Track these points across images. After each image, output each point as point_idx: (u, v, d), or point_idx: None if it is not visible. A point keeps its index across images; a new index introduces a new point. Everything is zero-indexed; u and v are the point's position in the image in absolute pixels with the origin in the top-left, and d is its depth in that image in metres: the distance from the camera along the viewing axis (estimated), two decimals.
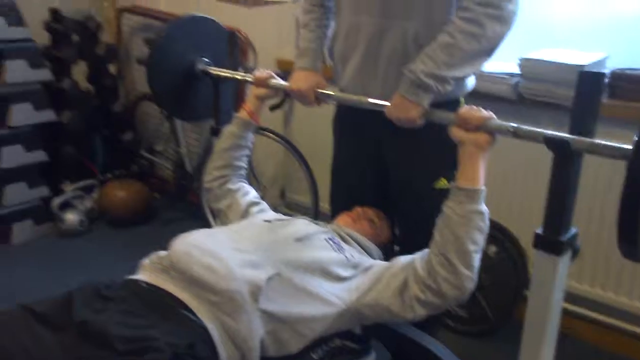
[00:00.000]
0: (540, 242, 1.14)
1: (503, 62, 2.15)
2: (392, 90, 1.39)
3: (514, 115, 2.09)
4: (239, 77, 1.75)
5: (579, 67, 1.85)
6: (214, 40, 1.92)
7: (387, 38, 1.41)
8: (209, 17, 1.96)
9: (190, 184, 3.10)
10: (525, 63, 2.00)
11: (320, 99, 1.58)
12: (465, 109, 1.20)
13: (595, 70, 1.69)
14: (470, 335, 2.20)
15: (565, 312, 1.93)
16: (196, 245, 1.19)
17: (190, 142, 3.26)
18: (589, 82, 1.08)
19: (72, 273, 2.59)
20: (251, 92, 1.64)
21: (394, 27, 1.40)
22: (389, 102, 1.38)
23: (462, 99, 1.53)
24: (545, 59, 1.95)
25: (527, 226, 2.12)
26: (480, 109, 1.20)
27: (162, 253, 1.22)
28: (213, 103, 1.87)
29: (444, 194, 1.32)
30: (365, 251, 1.43)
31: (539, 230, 1.15)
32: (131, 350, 0.95)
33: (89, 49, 3.14)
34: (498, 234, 2.17)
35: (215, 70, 1.84)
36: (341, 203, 1.70)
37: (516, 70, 2.03)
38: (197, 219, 2.88)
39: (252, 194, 1.61)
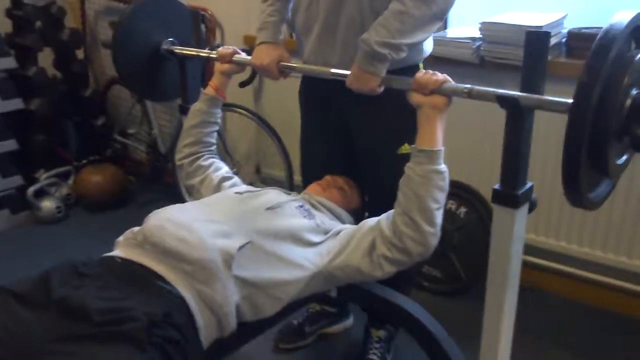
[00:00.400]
0: (498, 197, 1.20)
1: (465, 27, 2.20)
2: (350, 58, 1.42)
3: (477, 78, 2.14)
4: (203, 54, 1.77)
5: (537, 29, 1.90)
6: (178, 20, 1.93)
7: (345, 7, 1.44)
8: None
9: (164, 165, 3.12)
10: (486, 27, 2.04)
11: (284, 72, 1.60)
12: (421, 74, 1.24)
13: (548, 30, 1.73)
14: (444, 295, 2.28)
15: (525, 264, 2.02)
16: (169, 219, 1.22)
17: (162, 123, 3.26)
18: (535, 41, 1.12)
19: (51, 259, 2.55)
20: (215, 68, 1.66)
21: None
22: (349, 71, 1.41)
23: (421, 64, 1.57)
24: (504, 22, 1.99)
25: None
26: (436, 72, 1.24)
27: (136, 229, 1.26)
28: (180, 82, 1.89)
29: (407, 158, 1.37)
30: (337, 217, 1.48)
31: (497, 186, 1.21)
32: (108, 320, 0.98)
33: (53, 35, 3.10)
34: (468, 195, 2.24)
35: (180, 50, 1.85)
36: (311, 173, 1.74)
37: (478, 34, 2.08)
38: (173, 200, 2.86)
39: (224, 169, 1.64)
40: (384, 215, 1.31)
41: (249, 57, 1.62)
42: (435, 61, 1.86)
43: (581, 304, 2.18)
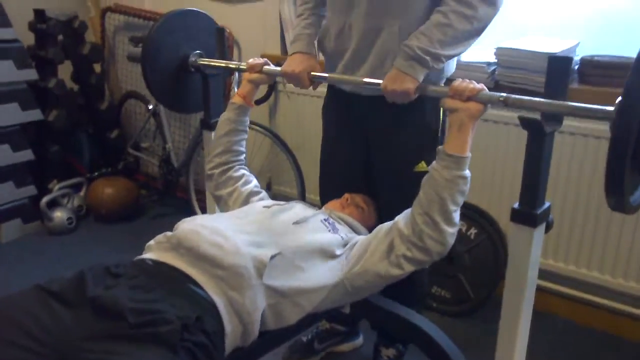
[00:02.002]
0: (517, 216, 1.23)
1: (481, 51, 2.24)
2: (378, 77, 1.46)
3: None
4: (232, 66, 1.79)
5: (552, 55, 1.94)
6: (205, 34, 1.96)
7: (378, 39, 1.49)
8: (200, 11, 2.00)
9: (177, 179, 3.15)
10: (501, 52, 2.09)
11: (314, 81, 1.62)
12: (459, 82, 1.25)
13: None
14: (453, 315, 2.29)
15: (542, 290, 2.03)
16: (204, 225, 1.25)
17: (176, 138, 3.30)
18: (557, 66, 1.16)
19: (61, 270, 2.62)
20: (244, 78, 1.68)
21: (384, 27, 1.47)
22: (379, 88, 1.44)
23: (442, 84, 1.61)
24: (520, 47, 2.04)
25: (506, 210, 2.23)
26: (473, 81, 1.26)
27: (169, 233, 1.28)
28: (203, 97, 1.92)
29: (421, 177, 1.41)
30: (355, 232, 1.50)
31: (516, 205, 1.24)
32: (143, 322, 1.00)
33: (74, 49, 3.17)
34: (478, 217, 2.26)
35: (207, 61, 1.88)
36: (330, 188, 1.77)
37: (493, 59, 2.12)
38: (184, 214, 2.88)
39: (253, 182, 1.65)
40: (400, 216, 1.33)
41: (278, 68, 1.64)
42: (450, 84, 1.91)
43: (590, 329, 2.18)
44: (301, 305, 1.26)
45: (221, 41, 1.87)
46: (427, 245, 1.25)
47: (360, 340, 2.14)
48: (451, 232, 1.26)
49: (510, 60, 2.06)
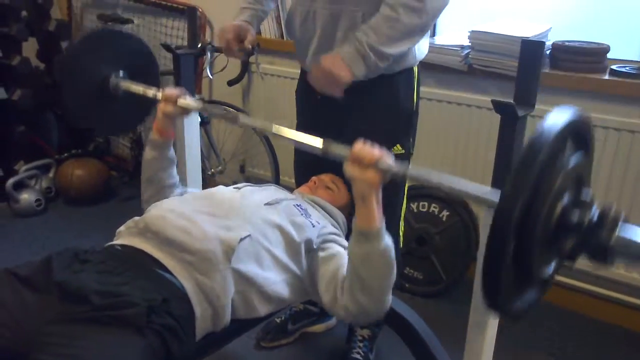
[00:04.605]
0: None
1: (454, 34, 2.25)
2: None
3: (464, 85, 2.23)
4: (150, 95, 1.64)
5: (525, 39, 1.96)
6: (131, 52, 1.83)
7: (340, 22, 1.49)
8: (126, 31, 1.91)
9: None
10: (474, 35, 2.09)
11: (242, 50, 1.61)
12: (359, 147, 1.14)
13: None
14: (425, 296, 2.32)
15: None
16: (170, 210, 1.23)
17: (147, 119, 3.24)
18: (530, 50, 1.17)
19: (30, 252, 2.58)
20: (158, 109, 1.52)
21: (345, 12, 1.47)
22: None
23: (415, 68, 1.61)
24: (493, 31, 2.05)
25: None
26: (375, 146, 1.15)
27: (137, 218, 1.26)
28: (175, 76, 1.89)
29: (396, 159, 1.43)
30: (329, 214, 1.50)
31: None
32: (108, 304, 0.99)
33: (38, 25, 3.07)
34: (450, 199, 2.29)
35: (125, 85, 1.73)
36: (304, 171, 1.77)
37: (467, 42, 2.13)
38: None
39: (179, 190, 1.59)
40: (342, 272, 1.25)
41: (194, 101, 1.53)
42: (424, 67, 1.91)
43: (555, 308, 2.24)
44: (267, 296, 1.24)
45: (193, 21, 1.83)
46: (358, 318, 1.22)
47: (333, 320, 2.16)
48: (378, 311, 1.19)
49: (483, 44, 2.07)
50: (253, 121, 1.36)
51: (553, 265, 0.93)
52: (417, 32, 1.42)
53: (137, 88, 1.69)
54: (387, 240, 1.16)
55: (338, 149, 1.21)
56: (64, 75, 1.71)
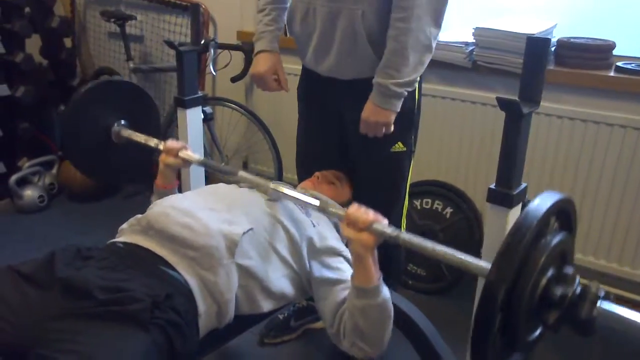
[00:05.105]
0: (493, 196, 1.24)
1: (459, 31, 2.24)
2: (343, 64, 1.53)
3: (469, 82, 2.22)
4: (152, 145, 1.66)
5: (530, 36, 1.95)
6: (132, 102, 1.85)
7: (340, 19, 1.50)
8: (126, 80, 1.91)
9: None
10: (479, 32, 2.08)
11: (279, 82, 1.68)
12: (354, 209, 1.17)
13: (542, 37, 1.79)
14: (428, 293, 2.32)
15: None
16: (173, 207, 1.23)
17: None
18: (536, 46, 1.17)
19: (32, 248, 2.58)
20: (160, 160, 1.56)
21: (344, 9, 1.48)
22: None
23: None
24: (498, 28, 2.04)
25: (482, 189, 2.26)
26: (369, 210, 1.17)
27: (139, 216, 1.26)
28: (177, 73, 1.88)
29: (400, 155, 1.55)
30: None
31: (492, 186, 1.25)
32: (111, 300, 0.99)
33: (42, 22, 3.06)
34: (454, 196, 2.29)
35: (127, 134, 1.75)
36: (307, 167, 1.77)
37: (471, 39, 2.12)
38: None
39: None
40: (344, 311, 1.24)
41: (195, 155, 1.54)
42: (428, 64, 1.90)
43: None
44: (270, 291, 1.24)
45: (196, 18, 1.83)
46: (356, 356, 1.25)
47: None
48: (377, 351, 1.21)
49: (488, 41, 2.06)
50: (252, 178, 1.40)
51: (538, 332, 0.99)
52: (424, 52, 1.48)
53: (139, 137, 1.71)
54: (385, 292, 1.18)
55: (334, 209, 1.25)
56: (69, 126, 1.74)
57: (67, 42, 3.29)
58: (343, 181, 1.66)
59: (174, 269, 1.13)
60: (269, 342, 2.02)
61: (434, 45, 1.50)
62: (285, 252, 1.28)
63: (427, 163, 2.34)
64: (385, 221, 1.17)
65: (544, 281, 0.90)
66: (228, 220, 1.22)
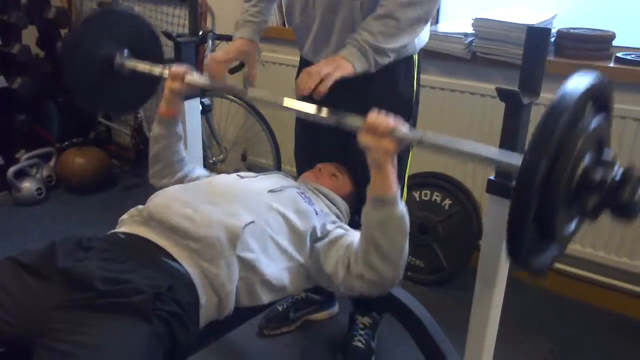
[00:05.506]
0: (492, 187, 1.23)
1: (458, 22, 2.23)
2: None
3: (468, 73, 2.21)
4: (156, 73, 1.65)
5: (530, 26, 1.94)
6: (135, 32, 1.81)
7: (339, 11, 1.48)
8: (127, 10, 1.89)
9: (149, 149, 3.09)
10: (478, 23, 2.08)
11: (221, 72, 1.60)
12: (373, 117, 1.15)
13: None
14: (427, 284, 2.33)
15: None
16: (175, 198, 1.23)
17: (148, 107, 3.22)
18: (536, 37, 1.16)
19: (30, 241, 2.58)
20: (165, 86, 1.55)
21: (343, 1, 1.46)
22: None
23: (415, 56, 1.60)
24: (497, 18, 2.03)
25: (480, 181, 2.26)
26: (389, 116, 1.17)
27: (140, 207, 1.26)
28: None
29: None
30: (332, 203, 1.50)
31: (492, 177, 1.24)
32: (113, 291, 0.99)
33: (38, 13, 3.04)
34: (453, 188, 2.29)
35: (131, 64, 1.72)
36: (305, 160, 1.77)
37: (470, 30, 2.11)
38: None
39: (199, 172, 1.61)
40: (356, 242, 1.26)
41: (201, 79, 1.52)
42: (427, 55, 1.89)
43: (556, 295, 2.25)
44: (271, 285, 1.24)
45: (194, 9, 1.81)
46: (373, 287, 1.22)
47: (336, 308, 2.16)
48: (393, 276, 1.20)
49: (487, 32, 2.05)
50: (262, 94, 1.36)
51: (575, 222, 0.97)
52: (414, 25, 1.41)
53: (143, 66, 1.69)
54: (403, 206, 1.17)
55: (351, 120, 1.22)
56: (69, 53, 1.71)
57: (64, 33, 3.27)
58: (344, 174, 1.65)
59: (175, 260, 1.13)
60: (268, 333, 2.02)
61: (432, 11, 1.42)
62: (287, 244, 1.27)
63: (425, 154, 2.33)
64: (406, 126, 1.14)
65: (582, 165, 0.87)
66: (229, 212, 1.22)
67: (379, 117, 1.15)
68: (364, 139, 1.16)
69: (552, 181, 0.84)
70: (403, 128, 1.13)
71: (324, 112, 1.27)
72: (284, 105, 1.33)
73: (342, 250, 1.27)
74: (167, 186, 1.49)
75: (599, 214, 0.92)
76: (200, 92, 1.73)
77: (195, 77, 1.51)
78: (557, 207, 0.87)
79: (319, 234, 1.32)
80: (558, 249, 1.01)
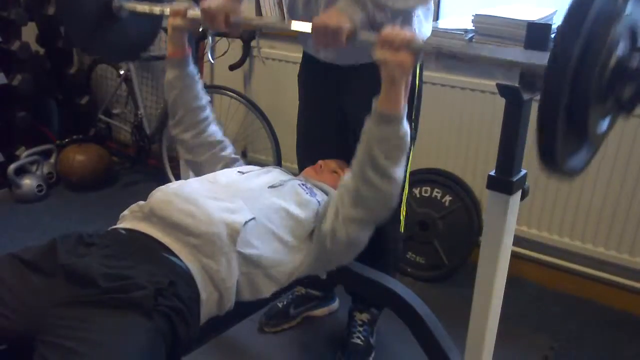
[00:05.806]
0: (493, 183, 1.23)
1: (458, 18, 2.22)
2: (344, 49, 1.39)
3: (468, 70, 2.21)
4: (156, 12, 1.61)
5: (531, 22, 1.94)
6: None
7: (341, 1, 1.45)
8: None
9: (149, 146, 3.10)
10: (478, 19, 2.06)
11: (231, 24, 1.49)
12: (388, 29, 1.14)
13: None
14: (427, 281, 2.33)
15: (515, 255, 2.07)
16: (176, 194, 1.23)
17: (148, 104, 3.23)
18: (537, 33, 1.16)
19: (31, 237, 2.58)
20: (168, 25, 1.53)
21: None
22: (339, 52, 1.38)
23: None
24: (498, 15, 2.02)
25: (480, 177, 2.26)
26: (404, 28, 1.15)
27: (142, 203, 1.25)
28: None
29: None
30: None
31: (492, 173, 1.24)
32: (115, 287, 0.99)
33: (38, 10, 3.04)
34: (453, 184, 2.29)
35: (130, 5, 1.69)
36: (307, 153, 1.77)
37: (470, 26, 2.11)
38: (157, 182, 2.85)
39: (230, 149, 1.62)
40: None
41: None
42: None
43: (561, 293, 2.25)
44: (274, 278, 1.25)
45: (194, 3, 1.80)
46: (367, 204, 1.22)
47: (336, 304, 2.16)
48: (388, 188, 1.20)
49: (488, 28, 2.04)
50: (269, 20, 1.32)
51: (607, 119, 0.92)
52: None
53: (143, 7, 1.66)
54: (406, 125, 1.17)
55: (364, 35, 1.21)
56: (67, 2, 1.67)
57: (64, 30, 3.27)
58: (346, 170, 1.65)
59: (176, 256, 1.13)
60: (268, 330, 2.03)
61: None
62: (289, 237, 1.27)
63: (426, 151, 2.33)
64: (421, 39, 1.13)
65: (616, 53, 0.81)
66: (230, 209, 1.22)
67: (395, 30, 1.13)
68: (379, 53, 1.14)
69: (584, 70, 0.78)
70: (419, 40, 1.12)
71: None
72: (292, 28, 1.31)
73: (333, 202, 1.29)
74: (189, 143, 1.54)
75: (635, 105, 0.87)
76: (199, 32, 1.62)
77: (197, 11, 1.48)
78: (590, 100, 0.82)
79: (319, 215, 1.33)
80: (591, 150, 0.96)
